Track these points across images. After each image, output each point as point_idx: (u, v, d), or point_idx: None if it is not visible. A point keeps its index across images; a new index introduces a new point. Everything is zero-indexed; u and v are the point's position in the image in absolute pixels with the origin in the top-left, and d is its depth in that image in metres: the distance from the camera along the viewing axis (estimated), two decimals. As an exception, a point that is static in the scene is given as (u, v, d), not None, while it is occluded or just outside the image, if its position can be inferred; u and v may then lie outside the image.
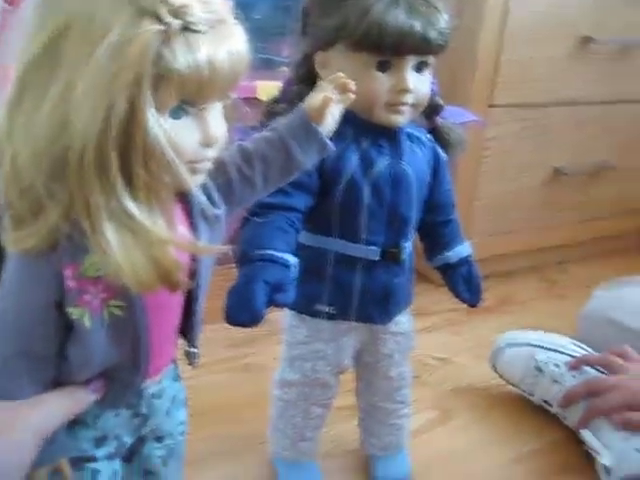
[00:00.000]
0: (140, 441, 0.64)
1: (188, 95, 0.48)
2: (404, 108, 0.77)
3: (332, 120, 0.63)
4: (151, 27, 0.44)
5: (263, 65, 1.28)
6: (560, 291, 1.68)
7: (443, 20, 0.74)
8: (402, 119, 0.78)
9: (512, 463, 1.09)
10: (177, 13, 0.45)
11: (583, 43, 1.52)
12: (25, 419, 0.54)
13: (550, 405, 1.17)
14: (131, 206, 0.47)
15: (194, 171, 0.52)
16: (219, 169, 0.58)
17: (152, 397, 0.62)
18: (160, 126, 0.46)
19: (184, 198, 0.56)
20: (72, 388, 0.57)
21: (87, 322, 0.53)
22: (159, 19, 0.44)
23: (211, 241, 0.57)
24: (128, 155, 0.46)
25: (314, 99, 0.62)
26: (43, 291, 0.51)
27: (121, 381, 0.58)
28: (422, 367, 1.30)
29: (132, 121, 0.45)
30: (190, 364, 0.65)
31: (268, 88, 1.13)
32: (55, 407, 0.56)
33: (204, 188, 0.57)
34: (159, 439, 0.66)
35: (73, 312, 0.52)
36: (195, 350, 0.64)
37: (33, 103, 0.46)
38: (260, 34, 1.16)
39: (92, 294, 0.52)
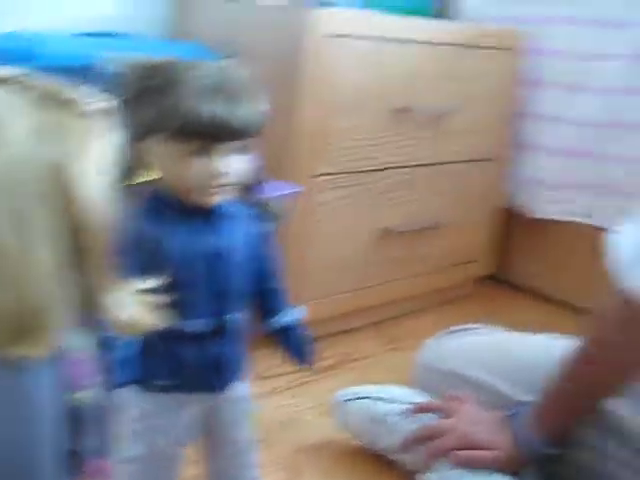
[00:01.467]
0: None
1: None
2: (223, 189, 0.81)
3: None
4: None
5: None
6: (397, 345, 1.76)
7: (258, 105, 0.79)
8: (221, 198, 0.82)
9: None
10: None
11: (400, 113, 1.64)
12: None
13: (392, 453, 1.23)
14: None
15: None
16: None
17: None
18: None
19: None
20: None
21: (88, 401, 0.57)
22: None
23: None
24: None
25: None
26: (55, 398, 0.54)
27: None
28: (268, 430, 1.33)
29: None
30: None
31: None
32: None
33: None
34: None
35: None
36: None
37: None
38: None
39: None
